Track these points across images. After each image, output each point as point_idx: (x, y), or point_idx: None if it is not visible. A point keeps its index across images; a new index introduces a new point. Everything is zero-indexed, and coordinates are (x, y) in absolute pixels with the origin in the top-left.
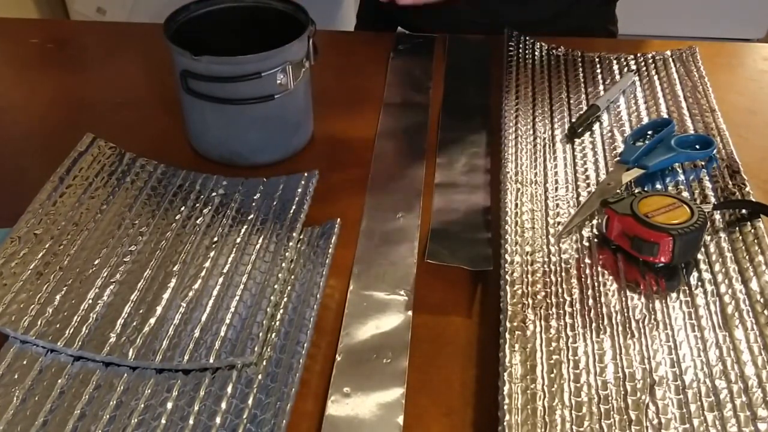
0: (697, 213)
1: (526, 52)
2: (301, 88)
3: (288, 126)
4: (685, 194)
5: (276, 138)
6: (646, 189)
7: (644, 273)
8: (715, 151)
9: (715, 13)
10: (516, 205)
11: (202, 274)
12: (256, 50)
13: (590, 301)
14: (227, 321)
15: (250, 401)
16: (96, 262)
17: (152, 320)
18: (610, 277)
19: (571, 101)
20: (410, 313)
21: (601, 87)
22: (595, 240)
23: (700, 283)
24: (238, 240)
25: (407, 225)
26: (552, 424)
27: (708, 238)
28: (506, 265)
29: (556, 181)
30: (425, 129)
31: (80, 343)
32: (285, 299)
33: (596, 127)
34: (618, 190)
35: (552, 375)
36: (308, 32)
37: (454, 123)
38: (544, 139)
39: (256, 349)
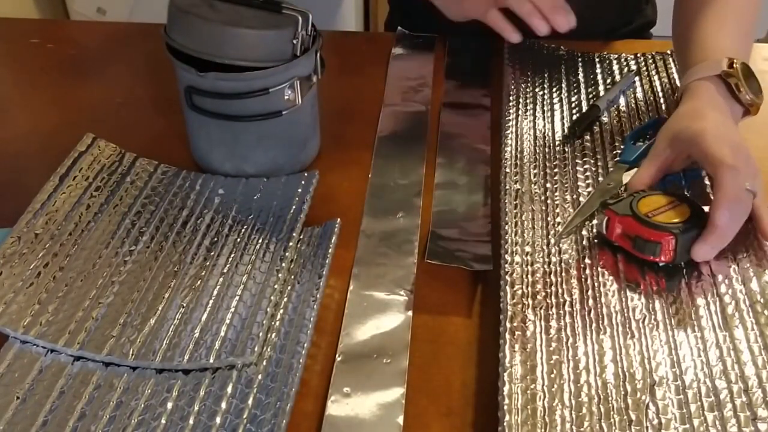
0: (698, 210)
1: (526, 51)
2: (308, 102)
3: (295, 142)
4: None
5: (283, 155)
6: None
7: (644, 273)
8: None
9: None
10: (516, 205)
11: (203, 274)
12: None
13: (590, 302)
14: (227, 321)
15: (250, 401)
16: (96, 262)
17: (152, 320)
18: (610, 278)
19: (572, 101)
20: (410, 313)
21: (601, 87)
22: (595, 240)
23: (700, 283)
24: (238, 240)
25: (407, 225)
26: (552, 425)
27: None
28: (506, 265)
29: (556, 182)
30: (425, 129)
31: (80, 343)
32: (285, 299)
33: (596, 127)
34: (618, 191)
35: (552, 375)
36: (316, 47)
37: (454, 123)
38: (544, 139)
39: (256, 349)
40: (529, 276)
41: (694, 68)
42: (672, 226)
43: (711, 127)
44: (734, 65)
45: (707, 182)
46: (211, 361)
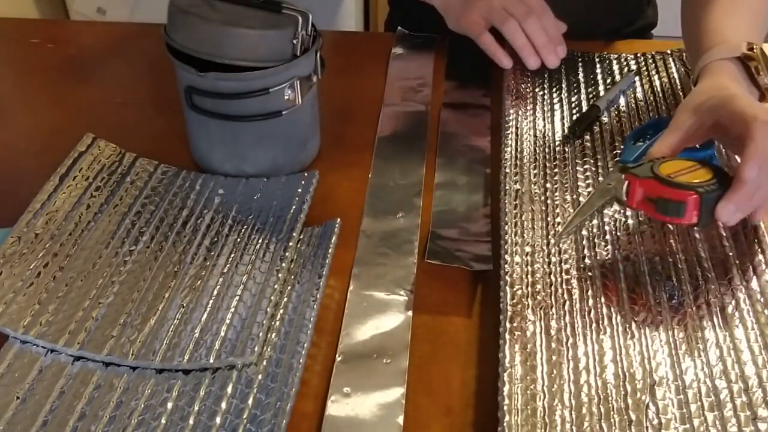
0: (721, 173)
1: None
2: (308, 102)
3: (295, 142)
4: None
5: (283, 155)
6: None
7: (644, 272)
8: (714, 151)
9: None
10: (516, 205)
11: (203, 274)
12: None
13: (590, 301)
14: (227, 321)
15: (250, 401)
16: (96, 262)
17: (152, 320)
18: (611, 278)
19: (572, 101)
20: (410, 313)
21: (601, 87)
22: (595, 240)
23: (700, 283)
24: (238, 240)
25: (407, 225)
26: (552, 425)
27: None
28: (506, 266)
29: (556, 182)
30: (425, 129)
31: (80, 343)
32: (285, 299)
33: (596, 127)
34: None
35: (552, 375)
36: (316, 47)
37: (454, 123)
38: (544, 139)
39: (256, 349)
40: (529, 276)
41: (711, 51)
42: (696, 185)
43: (739, 93)
44: (754, 49)
45: None
46: (211, 361)
